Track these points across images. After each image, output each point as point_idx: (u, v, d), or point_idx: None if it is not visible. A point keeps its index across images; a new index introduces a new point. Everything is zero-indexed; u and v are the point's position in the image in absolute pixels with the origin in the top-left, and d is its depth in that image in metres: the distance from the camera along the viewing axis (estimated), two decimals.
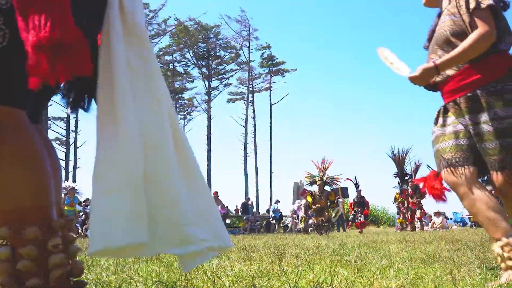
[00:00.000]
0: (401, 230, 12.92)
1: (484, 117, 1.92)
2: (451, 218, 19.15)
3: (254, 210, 20.36)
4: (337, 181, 10.97)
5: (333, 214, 10.53)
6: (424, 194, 12.74)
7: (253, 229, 16.48)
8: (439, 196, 3.07)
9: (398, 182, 13.52)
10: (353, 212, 14.24)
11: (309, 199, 10.46)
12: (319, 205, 10.24)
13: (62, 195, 13.10)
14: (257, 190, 31.00)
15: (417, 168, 13.46)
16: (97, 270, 2.46)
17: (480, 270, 2.11)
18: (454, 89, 2.06)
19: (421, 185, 12.86)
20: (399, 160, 13.30)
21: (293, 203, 18.27)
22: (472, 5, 1.98)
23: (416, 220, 13.66)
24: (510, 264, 1.76)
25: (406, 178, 13.28)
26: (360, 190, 14.08)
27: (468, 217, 18.02)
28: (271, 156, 31.96)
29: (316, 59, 46.92)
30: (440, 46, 2.11)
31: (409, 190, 13.23)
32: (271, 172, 31.66)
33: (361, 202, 13.87)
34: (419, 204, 13.26)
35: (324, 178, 10.47)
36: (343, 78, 45.79)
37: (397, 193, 13.59)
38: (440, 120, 2.11)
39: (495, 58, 1.98)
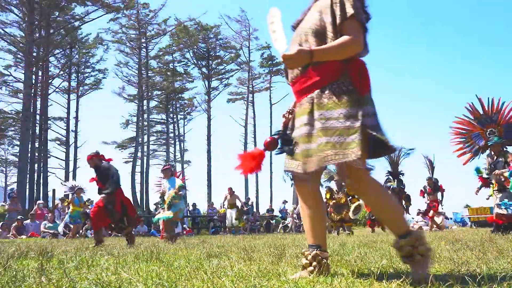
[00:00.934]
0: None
1: (316, 117, 1.99)
2: (451, 218, 19.15)
3: (254, 210, 20.36)
4: None
5: (352, 209, 9.74)
6: (443, 190, 12.48)
7: (253, 229, 16.48)
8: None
9: (389, 180, 12.66)
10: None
11: (327, 195, 9.98)
12: (336, 202, 9.80)
13: (70, 195, 13.05)
14: (257, 190, 30.99)
15: (431, 163, 12.91)
16: (97, 270, 2.46)
17: (480, 270, 2.10)
18: (300, 90, 2.12)
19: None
20: (393, 159, 12.63)
21: (293, 203, 18.27)
22: (348, 10, 2.00)
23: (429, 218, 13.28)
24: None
25: (399, 177, 12.47)
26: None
27: (468, 217, 18.04)
28: (271, 156, 31.93)
29: None
30: (300, 39, 2.13)
31: (427, 187, 12.65)
32: (271, 172, 31.66)
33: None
34: (436, 202, 12.55)
35: None
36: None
37: None
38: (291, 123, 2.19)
39: (335, 63, 2.02)
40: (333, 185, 10.19)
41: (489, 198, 8.10)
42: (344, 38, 1.98)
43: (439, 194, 12.57)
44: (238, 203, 14.76)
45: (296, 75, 2.15)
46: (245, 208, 16.55)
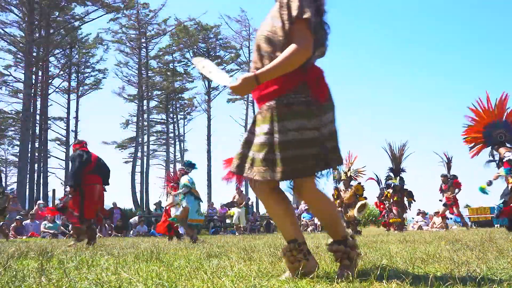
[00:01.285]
0: (398, 230, 11.66)
1: (275, 127, 1.95)
2: (451, 218, 19.12)
3: (254, 210, 20.36)
4: (361, 174, 10.47)
5: (356, 208, 9.59)
6: (460, 187, 12.01)
7: (253, 229, 16.48)
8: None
9: (390, 177, 12.30)
10: (384, 210, 13.77)
11: (334, 195, 9.90)
12: (345, 201, 9.68)
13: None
14: None
15: (450, 160, 12.55)
16: (97, 270, 2.46)
17: (480, 270, 2.10)
18: (258, 98, 2.09)
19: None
20: (396, 155, 12.15)
21: (293, 203, 18.25)
22: (294, 13, 1.92)
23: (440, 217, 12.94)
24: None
25: (400, 174, 12.12)
26: (384, 188, 13.74)
27: (468, 217, 18.02)
28: None
29: None
30: (256, 48, 2.09)
31: (443, 185, 12.18)
32: None
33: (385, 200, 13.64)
34: (454, 199, 12.02)
35: (349, 173, 10.07)
36: (342, 78, 45.77)
37: (388, 192, 12.43)
38: (251, 127, 2.16)
39: (292, 73, 1.97)
40: (341, 185, 10.10)
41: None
42: (288, 50, 1.92)
43: (456, 190, 12.06)
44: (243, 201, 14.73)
45: None
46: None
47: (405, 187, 12.10)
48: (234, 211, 14.54)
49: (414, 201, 12.26)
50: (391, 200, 12.28)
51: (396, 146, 12.18)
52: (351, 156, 10.28)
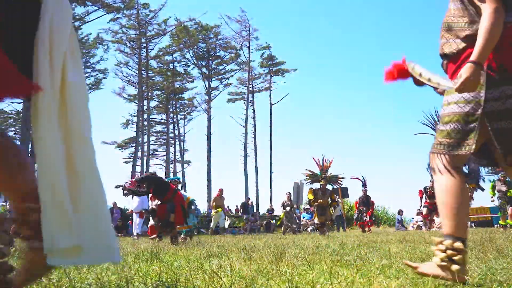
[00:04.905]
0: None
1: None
2: None
3: (254, 210, 20.37)
4: (340, 180, 10.72)
5: (333, 212, 10.41)
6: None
7: (253, 229, 16.48)
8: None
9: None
10: (357, 211, 14.04)
11: (311, 196, 10.24)
12: (321, 204, 10.04)
13: None
14: (257, 190, 30.99)
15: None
16: (97, 270, 2.46)
17: (480, 270, 2.10)
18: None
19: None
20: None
21: (294, 203, 18.22)
22: None
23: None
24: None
25: None
26: (366, 190, 13.91)
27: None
28: (271, 156, 31.96)
29: (316, 59, 46.93)
30: (443, 32, 2.00)
31: (429, 189, 11.89)
32: (271, 172, 31.66)
33: (366, 202, 13.74)
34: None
35: (328, 178, 10.31)
36: (343, 78, 45.82)
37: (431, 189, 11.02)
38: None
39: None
40: (317, 186, 10.40)
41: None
42: (483, 19, 1.78)
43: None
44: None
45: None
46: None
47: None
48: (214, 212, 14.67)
49: (482, 190, 10.94)
50: (430, 199, 11.42)
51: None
52: (326, 160, 10.45)
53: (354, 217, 14.69)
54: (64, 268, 2.42)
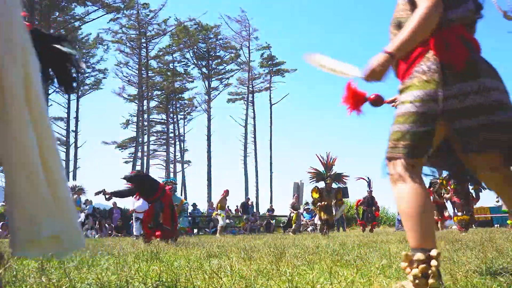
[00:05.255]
0: (461, 230, 9.09)
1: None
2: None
3: (254, 210, 20.38)
4: (344, 179, 10.37)
5: (336, 213, 10.01)
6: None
7: (253, 229, 16.49)
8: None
9: None
10: (359, 210, 13.87)
11: (316, 195, 9.95)
12: (326, 203, 9.84)
13: (74, 196, 13.04)
14: (257, 190, 31.00)
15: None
16: (97, 270, 2.46)
17: (480, 270, 2.11)
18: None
19: None
20: None
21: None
22: None
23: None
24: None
25: None
26: (372, 191, 13.79)
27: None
28: (271, 156, 31.96)
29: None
30: (393, 28, 1.93)
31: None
32: (271, 172, 31.67)
33: (371, 203, 13.65)
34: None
35: (333, 176, 10.05)
36: (343, 78, 45.71)
37: (442, 178, 9.54)
38: None
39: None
40: (321, 185, 10.16)
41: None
42: (414, 14, 1.72)
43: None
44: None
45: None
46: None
47: None
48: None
49: (484, 188, 9.20)
50: (448, 189, 9.64)
51: None
52: (330, 158, 10.18)
53: (358, 216, 14.30)
54: (64, 268, 2.42)
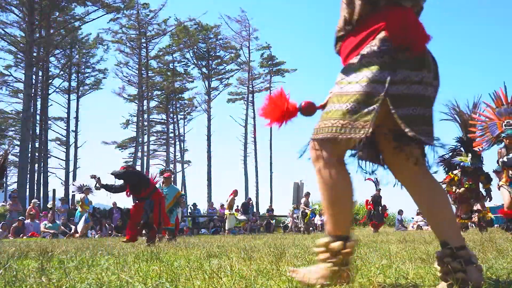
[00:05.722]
0: (481, 230, 8.58)
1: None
2: None
3: (254, 210, 20.38)
4: None
5: None
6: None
7: (253, 229, 16.48)
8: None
9: (457, 152, 8.52)
10: (371, 210, 13.76)
11: None
12: None
13: (81, 195, 13.03)
14: (257, 190, 31.00)
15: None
16: (97, 270, 2.46)
17: None
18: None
19: None
20: (467, 118, 8.04)
21: (293, 203, 18.26)
22: None
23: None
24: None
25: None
26: (380, 190, 13.72)
27: None
28: (271, 156, 31.95)
29: (316, 59, 46.93)
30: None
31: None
32: (271, 172, 31.67)
33: (378, 202, 13.62)
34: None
35: None
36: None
37: (453, 174, 8.69)
38: None
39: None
40: None
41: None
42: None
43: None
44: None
45: None
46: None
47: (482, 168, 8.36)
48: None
49: (491, 190, 8.52)
50: (460, 187, 8.68)
51: (468, 104, 8.06)
52: None
53: (368, 216, 14.05)
54: (64, 268, 2.43)
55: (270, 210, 20.58)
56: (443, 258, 1.60)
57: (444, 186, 8.81)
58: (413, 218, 17.71)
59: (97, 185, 6.84)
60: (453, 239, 1.62)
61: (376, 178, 13.49)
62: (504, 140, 6.57)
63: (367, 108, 1.58)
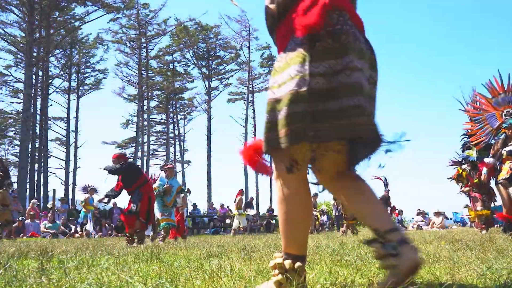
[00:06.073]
0: (486, 229, 8.13)
1: None
2: (451, 218, 19.15)
3: (255, 209, 20.38)
4: None
5: None
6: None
7: (253, 229, 16.47)
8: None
9: (466, 146, 8.15)
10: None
11: None
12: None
13: (86, 195, 13.09)
14: (257, 190, 31.00)
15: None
16: (97, 270, 2.46)
17: (480, 270, 2.10)
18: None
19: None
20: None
21: None
22: None
23: None
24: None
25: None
26: (389, 190, 13.71)
27: (468, 217, 18.02)
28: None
29: None
30: None
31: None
32: None
33: (387, 202, 13.63)
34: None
35: None
36: None
37: (462, 169, 8.34)
38: None
39: None
40: None
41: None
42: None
43: None
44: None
45: None
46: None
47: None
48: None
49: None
50: (468, 182, 8.27)
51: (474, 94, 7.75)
52: None
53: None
54: (64, 268, 2.42)
55: (270, 210, 20.57)
56: (373, 245, 1.54)
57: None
58: (413, 218, 17.70)
59: (104, 201, 6.94)
60: (381, 223, 1.54)
61: (385, 178, 13.51)
62: (506, 131, 6.20)
63: (301, 108, 1.44)
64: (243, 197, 14.16)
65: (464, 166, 8.30)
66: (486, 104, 6.78)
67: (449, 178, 8.78)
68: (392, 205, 13.82)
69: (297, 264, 1.54)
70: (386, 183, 13.53)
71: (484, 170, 6.55)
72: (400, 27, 48.22)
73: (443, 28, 46.57)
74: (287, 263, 1.55)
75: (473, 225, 15.98)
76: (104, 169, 6.64)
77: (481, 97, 6.94)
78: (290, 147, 1.46)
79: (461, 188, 8.47)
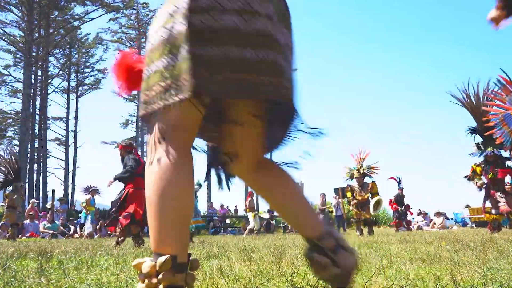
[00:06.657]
0: (492, 231, 7.56)
1: None
2: (451, 219, 19.14)
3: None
4: (374, 170, 9.54)
5: (372, 205, 9.23)
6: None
7: (253, 229, 16.46)
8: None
9: (477, 144, 7.63)
10: (395, 211, 13.76)
11: (349, 194, 9.54)
12: (360, 200, 9.30)
13: (87, 196, 13.05)
14: None
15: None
16: (96, 270, 2.45)
17: (480, 270, 2.10)
18: None
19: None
20: (477, 103, 7.25)
21: None
22: None
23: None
24: None
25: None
26: (402, 189, 13.67)
27: (469, 217, 18.03)
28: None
29: (316, 59, 46.94)
30: None
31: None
32: None
33: (401, 201, 13.63)
34: None
35: (361, 170, 9.43)
36: (342, 78, 45.85)
37: (476, 165, 7.90)
38: None
39: None
40: (354, 183, 9.62)
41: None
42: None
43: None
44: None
45: None
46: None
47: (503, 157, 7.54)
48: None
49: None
50: (481, 179, 7.85)
51: (476, 87, 7.33)
52: (363, 152, 9.59)
53: (397, 217, 13.83)
54: (64, 269, 2.42)
55: (270, 210, 20.57)
56: (311, 255, 1.31)
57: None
58: (413, 218, 17.70)
59: (113, 178, 6.73)
60: (313, 229, 1.32)
61: (399, 177, 13.50)
62: None
63: (182, 54, 1.09)
64: (254, 198, 14.18)
65: (478, 163, 7.89)
66: (502, 105, 6.34)
67: (465, 177, 8.24)
68: (406, 204, 13.80)
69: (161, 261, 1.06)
70: (399, 182, 13.55)
71: (508, 178, 6.36)
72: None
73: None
74: (150, 264, 1.09)
75: (474, 225, 15.94)
76: (115, 179, 6.59)
77: (495, 94, 6.53)
78: (168, 107, 1.10)
79: (476, 183, 8.00)
